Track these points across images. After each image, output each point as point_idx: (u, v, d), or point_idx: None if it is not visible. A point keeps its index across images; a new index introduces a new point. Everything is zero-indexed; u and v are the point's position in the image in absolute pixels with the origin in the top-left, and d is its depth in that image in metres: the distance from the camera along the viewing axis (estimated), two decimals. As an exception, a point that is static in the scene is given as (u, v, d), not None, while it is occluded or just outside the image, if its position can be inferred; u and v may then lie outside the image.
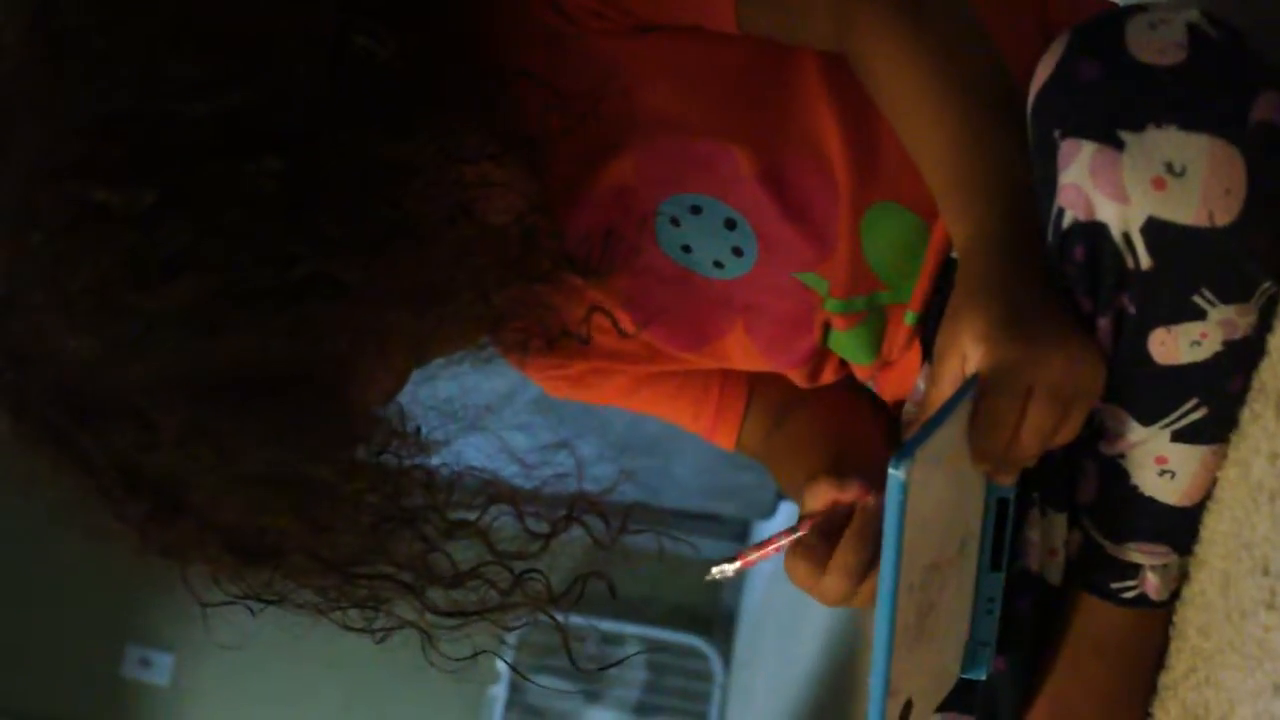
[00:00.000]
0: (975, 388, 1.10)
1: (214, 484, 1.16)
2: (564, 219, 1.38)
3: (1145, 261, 1.09)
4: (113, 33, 1.13)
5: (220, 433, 1.14)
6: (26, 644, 4.54)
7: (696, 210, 1.35)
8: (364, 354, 1.20)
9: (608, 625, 4.51)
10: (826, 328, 1.38)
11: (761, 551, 1.29)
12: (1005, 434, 1.11)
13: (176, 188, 1.11)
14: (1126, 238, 1.09)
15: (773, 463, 1.54)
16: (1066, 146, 1.10)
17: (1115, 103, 1.08)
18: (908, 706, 1.15)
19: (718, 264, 1.38)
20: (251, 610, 1.30)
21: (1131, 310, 1.12)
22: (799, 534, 1.28)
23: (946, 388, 1.12)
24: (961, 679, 1.25)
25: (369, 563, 1.25)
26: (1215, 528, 1.21)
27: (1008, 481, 1.17)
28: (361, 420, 1.23)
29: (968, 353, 1.11)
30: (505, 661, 4.38)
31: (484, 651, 1.38)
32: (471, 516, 1.31)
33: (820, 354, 1.41)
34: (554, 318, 1.38)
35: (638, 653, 4.55)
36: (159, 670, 4.66)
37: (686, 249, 1.38)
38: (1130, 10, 1.11)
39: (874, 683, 1.10)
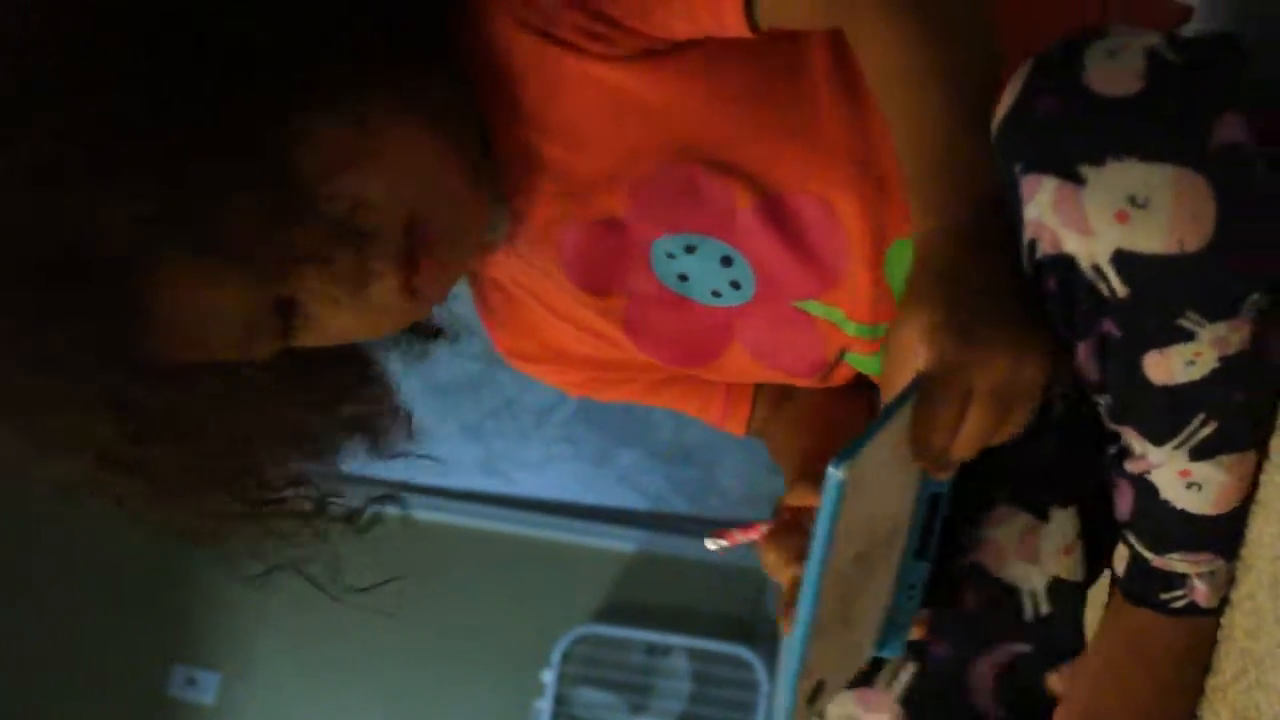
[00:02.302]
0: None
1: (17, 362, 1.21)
2: (558, 239, 1.38)
3: (1120, 290, 1.09)
4: None
5: (17, 312, 1.19)
6: (73, 664, 4.56)
7: (691, 249, 1.35)
8: (135, 254, 1.20)
9: (653, 636, 4.51)
10: (842, 351, 1.39)
11: (746, 534, 1.34)
12: (943, 435, 1.11)
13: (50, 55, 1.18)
14: (1096, 268, 1.09)
15: (768, 440, 1.55)
16: (1028, 182, 1.09)
17: (1073, 137, 1.08)
18: (819, 686, 1.15)
19: (715, 293, 1.38)
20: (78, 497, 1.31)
21: (1117, 334, 1.11)
22: (772, 525, 1.33)
23: (898, 384, 1.12)
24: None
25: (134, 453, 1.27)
26: (1262, 530, 1.21)
27: (943, 478, 1.17)
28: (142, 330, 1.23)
29: (916, 349, 1.10)
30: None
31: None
32: None
33: (831, 367, 1.41)
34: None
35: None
36: (205, 689, 4.67)
37: (683, 278, 1.38)
38: (1091, 37, 1.10)
39: (787, 667, 1.11)
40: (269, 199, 1.22)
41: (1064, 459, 1.32)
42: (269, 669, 4.61)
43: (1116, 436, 1.20)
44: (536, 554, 4.60)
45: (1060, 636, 1.34)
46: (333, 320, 1.31)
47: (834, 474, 1.05)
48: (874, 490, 1.11)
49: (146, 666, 4.65)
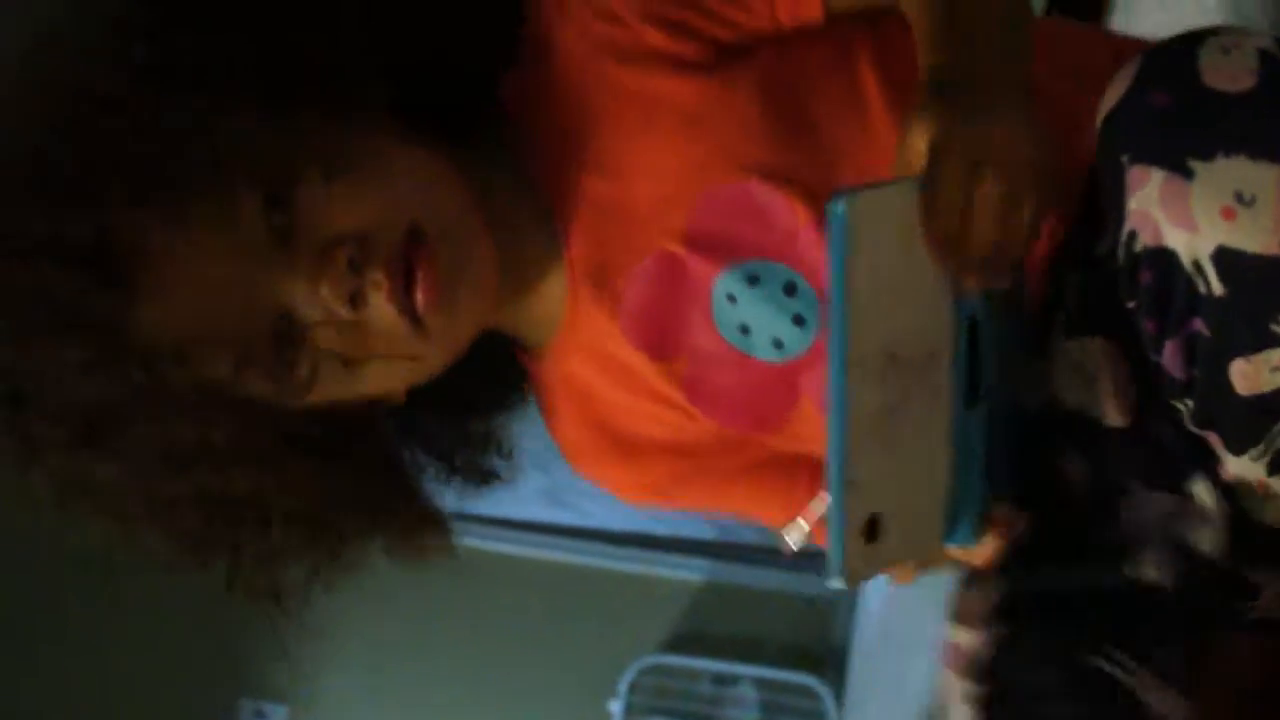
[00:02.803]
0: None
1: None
2: (617, 290, 1.38)
3: (1217, 288, 1.09)
4: None
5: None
6: (141, 698, 4.57)
7: (754, 280, 1.34)
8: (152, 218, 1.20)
9: (719, 666, 4.50)
10: None
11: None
12: (953, 204, 1.09)
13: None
14: (1196, 264, 1.09)
15: None
16: (1135, 173, 1.10)
17: (1185, 131, 1.08)
18: (875, 521, 1.12)
19: (777, 344, 1.37)
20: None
21: (1206, 334, 1.11)
22: None
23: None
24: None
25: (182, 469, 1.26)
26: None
27: (971, 283, 1.14)
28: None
29: (920, 145, 1.10)
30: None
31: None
32: None
33: None
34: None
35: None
36: (273, 723, 4.68)
37: (744, 330, 1.36)
38: (1205, 34, 1.10)
39: (830, 460, 1.09)
40: (279, 173, 1.22)
41: (1181, 439, 1.28)
42: (336, 701, 4.61)
43: (1200, 441, 1.19)
44: (603, 584, 4.60)
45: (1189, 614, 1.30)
46: (332, 343, 1.28)
47: (833, 207, 1.04)
48: (889, 268, 1.09)
49: (214, 700, 4.66)
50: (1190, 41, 1.10)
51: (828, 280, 1.05)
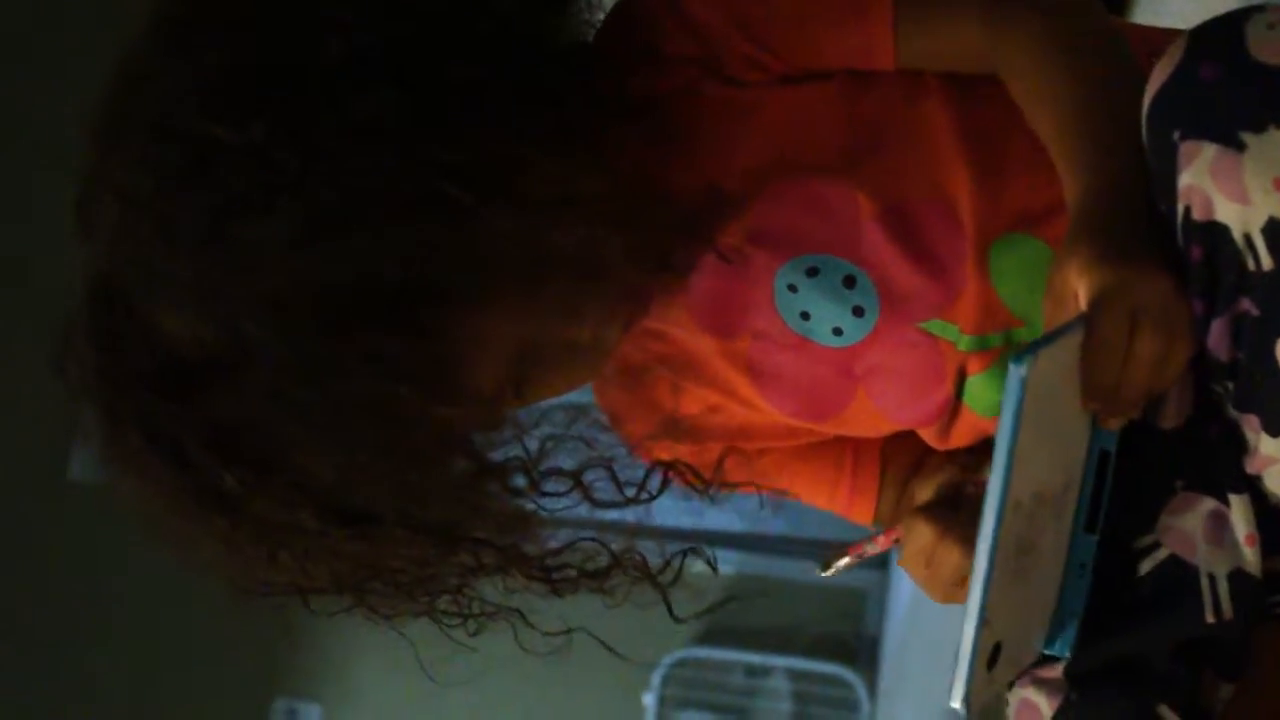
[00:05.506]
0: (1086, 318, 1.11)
1: (307, 429, 1.16)
2: (686, 279, 1.38)
3: (1267, 262, 1.09)
4: None
5: (317, 358, 1.14)
6: (174, 698, 4.59)
7: (813, 272, 1.34)
8: (468, 296, 1.19)
9: (752, 657, 4.51)
10: (961, 375, 1.37)
11: (877, 543, 1.32)
12: (1116, 357, 1.11)
13: (293, 119, 1.15)
14: (1247, 239, 1.09)
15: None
16: (1186, 148, 1.10)
17: (1236, 104, 1.08)
18: (997, 651, 1.13)
19: (837, 331, 1.37)
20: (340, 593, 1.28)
21: (1255, 313, 1.11)
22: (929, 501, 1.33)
23: (1060, 320, 1.13)
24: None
25: (461, 528, 1.25)
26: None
27: (1115, 423, 1.16)
28: (459, 383, 1.21)
29: (1077, 286, 1.11)
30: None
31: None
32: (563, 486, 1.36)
33: (953, 408, 1.39)
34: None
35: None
36: (306, 721, 4.70)
37: (805, 316, 1.37)
38: (1249, 11, 1.10)
39: (967, 617, 1.09)
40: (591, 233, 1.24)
41: (1228, 446, 1.28)
42: (370, 699, 4.63)
43: (1237, 430, 1.18)
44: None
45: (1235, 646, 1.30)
46: (556, 370, 1.31)
47: (1015, 370, 1.05)
48: (1048, 416, 1.11)
49: (248, 699, 4.68)
50: (1235, 18, 1.10)
51: (998, 433, 1.07)
